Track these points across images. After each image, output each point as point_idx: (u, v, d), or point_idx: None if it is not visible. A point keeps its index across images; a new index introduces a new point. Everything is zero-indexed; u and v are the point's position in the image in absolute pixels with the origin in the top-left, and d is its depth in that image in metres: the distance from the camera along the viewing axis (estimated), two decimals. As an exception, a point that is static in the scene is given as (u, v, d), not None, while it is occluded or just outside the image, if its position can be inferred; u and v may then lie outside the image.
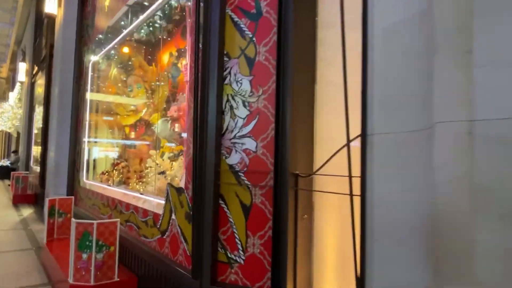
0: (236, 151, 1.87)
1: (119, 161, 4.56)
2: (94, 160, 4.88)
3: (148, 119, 4.26)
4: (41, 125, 7.73)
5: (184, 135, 3.76)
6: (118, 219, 2.59)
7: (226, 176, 1.88)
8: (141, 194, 3.08)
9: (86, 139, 4.73)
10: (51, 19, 6.80)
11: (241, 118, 1.87)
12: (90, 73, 4.73)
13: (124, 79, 4.71)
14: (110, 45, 4.24)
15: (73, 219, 2.55)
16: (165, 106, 4.44)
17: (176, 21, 3.93)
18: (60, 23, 6.09)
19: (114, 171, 4.54)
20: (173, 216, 2.29)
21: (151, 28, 3.71)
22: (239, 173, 1.84)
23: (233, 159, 1.87)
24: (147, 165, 3.57)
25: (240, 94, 1.88)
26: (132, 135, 4.56)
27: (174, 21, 3.80)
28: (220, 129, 1.91)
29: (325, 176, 1.63)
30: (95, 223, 2.49)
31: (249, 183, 1.81)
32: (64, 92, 5.68)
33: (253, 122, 1.82)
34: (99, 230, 2.51)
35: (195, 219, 1.92)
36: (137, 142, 4.50)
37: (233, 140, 1.88)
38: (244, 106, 1.86)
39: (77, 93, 4.91)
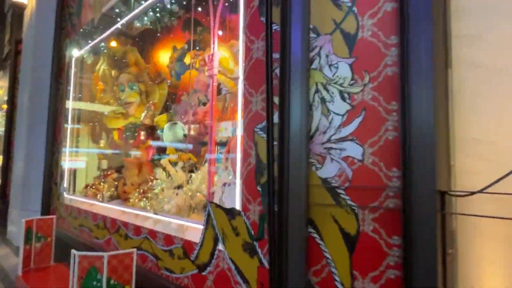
0: (332, 159, 1.36)
1: (108, 172, 3.87)
2: (75, 171, 4.14)
3: (149, 123, 3.64)
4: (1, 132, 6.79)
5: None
6: (135, 249, 1.99)
7: (317, 194, 1.37)
8: (155, 213, 2.47)
9: (67, 147, 4.00)
10: (19, 10, 5.97)
11: (338, 115, 1.37)
12: (73, 69, 4.02)
13: (115, 76, 4.06)
14: (103, 36, 3.60)
15: (73, 251, 1.91)
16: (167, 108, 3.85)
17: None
18: (32, 14, 5.31)
19: (103, 183, 3.85)
20: (220, 247, 1.73)
21: (158, 14, 3.13)
22: (338, 190, 1.34)
23: (328, 170, 1.37)
24: (156, 177, 2.95)
25: (335, 83, 1.38)
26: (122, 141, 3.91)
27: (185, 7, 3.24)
28: (307, 130, 1.41)
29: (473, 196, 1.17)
30: (106, 256, 1.87)
31: (353, 204, 1.31)
32: (37, 92, 4.91)
33: (357, 120, 1.33)
34: (110, 264, 1.90)
35: (271, 255, 1.39)
36: (134, 152, 3.85)
37: (327, 145, 1.38)
38: (343, 98, 1.37)
39: (56, 92, 4.18)
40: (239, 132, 1.76)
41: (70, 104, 3.99)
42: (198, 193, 2.48)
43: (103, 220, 2.89)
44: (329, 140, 1.38)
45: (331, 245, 1.33)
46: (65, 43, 4.14)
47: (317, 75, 1.42)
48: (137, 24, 3.34)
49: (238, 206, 1.73)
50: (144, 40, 4.22)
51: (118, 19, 3.46)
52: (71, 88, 3.98)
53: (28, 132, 4.94)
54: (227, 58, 2.67)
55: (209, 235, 1.82)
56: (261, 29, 1.65)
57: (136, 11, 3.09)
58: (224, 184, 2.20)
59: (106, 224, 2.85)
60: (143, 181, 3.34)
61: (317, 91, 1.42)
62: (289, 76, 1.41)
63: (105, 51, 3.99)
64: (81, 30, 3.91)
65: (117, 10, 3.49)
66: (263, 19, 1.64)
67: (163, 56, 4.15)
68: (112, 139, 4.34)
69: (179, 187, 2.55)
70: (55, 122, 4.19)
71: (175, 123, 3.31)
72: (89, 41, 3.88)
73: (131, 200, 3.07)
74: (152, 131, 3.66)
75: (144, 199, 2.96)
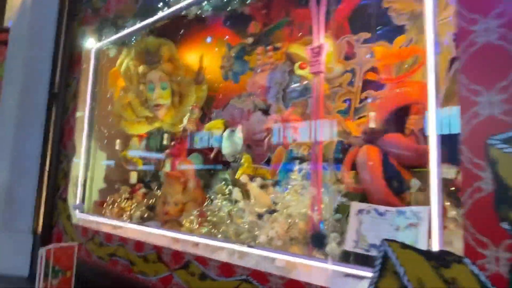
0: None
1: (136, 186, 3.21)
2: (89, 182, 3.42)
3: (193, 129, 3.05)
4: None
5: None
6: None
7: None
8: (250, 245, 1.91)
9: (82, 153, 3.29)
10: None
11: None
12: (92, 63, 3.35)
13: (143, 73, 3.43)
14: (142, 24, 2.99)
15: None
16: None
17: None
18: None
19: (128, 200, 3.17)
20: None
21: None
22: None
23: None
24: (232, 196, 2.35)
25: None
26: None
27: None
28: None
29: None
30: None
31: None
32: (29, 87, 4.11)
33: None
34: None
35: None
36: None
37: None
38: None
39: (65, 89, 3.46)
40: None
41: (88, 105, 3.29)
42: (297, 220, 1.96)
43: (157, 251, 2.26)
44: None
45: None
46: (80, 31, 3.45)
47: None
48: (193, 10, 2.76)
49: (436, 246, 1.25)
50: (174, 34, 3.64)
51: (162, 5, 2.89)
52: (90, 85, 3.29)
53: (15, 136, 4.11)
54: (330, 53, 2.19)
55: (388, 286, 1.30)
56: (491, 4, 1.21)
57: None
58: (361, 211, 1.70)
59: (162, 256, 2.22)
60: (190, 200, 2.74)
61: None
62: None
63: (134, 42, 3.35)
64: (107, 17, 3.26)
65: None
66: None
67: (198, 53, 3.60)
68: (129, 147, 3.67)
69: (271, 211, 2.01)
70: (62, 125, 3.46)
71: (233, 131, 2.76)
72: (115, 30, 3.24)
73: (185, 225, 2.46)
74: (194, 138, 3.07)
75: (206, 223, 2.36)
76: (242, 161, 2.54)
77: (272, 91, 2.94)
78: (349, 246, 1.65)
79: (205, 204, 2.57)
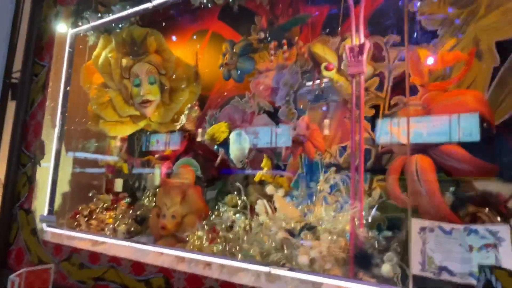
0: None
1: (119, 196, 2.78)
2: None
3: (192, 129, 2.71)
4: None
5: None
6: None
7: None
8: (288, 268, 1.65)
9: (52, 155, 2.78)
10: None
11: None
12: (67, 49, 2.87)
13: (127, 66, 3.02)
14: (131, 11, 2.60)
15: None
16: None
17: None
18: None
19: (108, 211, 2.74)
20: None
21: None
22: None
23: None
24: (257, 211, 2.05)
25: None
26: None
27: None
28: None
29: None
30: None
31: None
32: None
33: None
34: None
35: None
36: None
37: None
38: None
39: (30, 79, 2.93)
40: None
41: (61, 99, 2.80)
42: (335, 237, 1.74)
43: (165, 274, 1.90)
44: None
45: None
46: (53, 10, 2.94)
47: None
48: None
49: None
50: (162, 25, 3.27)
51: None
52: (63, 76, 2.81)
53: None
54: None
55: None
56: None
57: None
58: (423, 229, 1.53)
59: (172, 281, 1.87)
60: (190, 212, 2.40)
61: None
62: None
63: (118, 30, 2.94)
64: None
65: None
66: None
67: (189, 47, 3.27)
68: (106, 149, 3.22)
69: (310, 227, 1.76)
70: (25, 121, 2.92)
71: (239, 133, 2.48)
72: (98, 14, 2.80)
73: (192, 242, 2.12)
74: (193, 140, 2.73)
75: (219, 240, 2.06)
76: (262, 164, 2.27)
77: (281, 92, 2.72)
78: (415, 269, 1.46)
79: (212, 218, 2.26)
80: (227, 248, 2.02)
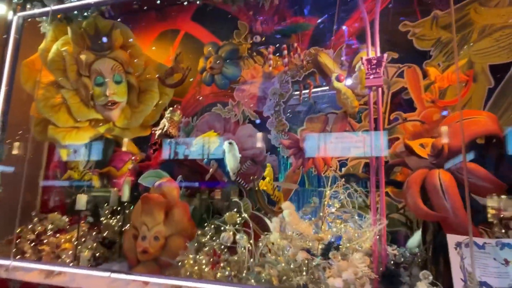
0: None
1: (85, 214, 2.32)
2: None
3: (175, 134, 2.40)
4: None
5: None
6: None
7: None
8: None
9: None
10: None
11: None
12: (12, 35, 2.34)
13: (87, 62, 2.60)
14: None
15: None
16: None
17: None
18: None
19: (63, 235, 2.27)
20: None
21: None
22: None
23: None
24: (269, 227, 1.82)
25: None
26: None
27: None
28: None
29: None
30: None
31: None
32: None
33: None
34: None
35: None
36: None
37: None
38: None
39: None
40: None
41: (2, 94, 2.26)
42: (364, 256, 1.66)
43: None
44: None
45: None
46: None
47: None
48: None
49: None
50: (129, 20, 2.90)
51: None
52: (7, 66, 2.28)
53: None
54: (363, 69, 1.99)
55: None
56: None
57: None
58: (459, 245, 1.52)
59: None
60: (176, 232, 2.10)
61: None
62: None
63: (79, 19, 2.51)
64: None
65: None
66: None
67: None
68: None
69: (336, 247, 1.64)
70: None
71: (231, 143, 2.27)
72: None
73: (187, 267, 1.82)
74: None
75: (222, 265, 1.81)
76: (265, 173, 2.09)
77: (270, 102, 2.58)
78: (457, 285, 1.44)
79: (205, 237, 1.99)
80: (233, 273, 1.79)
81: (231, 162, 2.19)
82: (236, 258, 1.82)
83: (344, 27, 2.39)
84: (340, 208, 1.88)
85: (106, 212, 2.38)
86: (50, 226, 2.35)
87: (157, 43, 3.06)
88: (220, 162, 2.27)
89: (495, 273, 1.45)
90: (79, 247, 2.15)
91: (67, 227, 2.38)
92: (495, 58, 2.02)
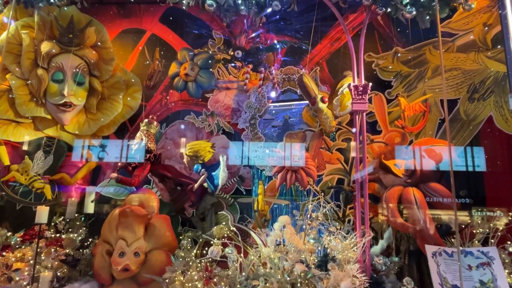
0: None
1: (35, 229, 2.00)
2: None
3: (153, 148, 2.24)
4: None
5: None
6: None
7: None
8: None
9: None
10: None
11: None
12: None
13: (47, 52, 2.30)
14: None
15: None
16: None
17: None
18: None
19: (8, 254, 1.95)
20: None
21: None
22: None
23: None
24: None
25: None
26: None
27: None
28: None
29: None
30: None
31: None
32: None
33: None
34: None
35: None
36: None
37: None
38: None
39: None
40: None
41: None
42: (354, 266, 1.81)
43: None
44: None
45: None
46: None
47: None
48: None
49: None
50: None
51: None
52: None
53: None
54: (347, 93, 2.17)
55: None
56: None
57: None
58: (434, 254, 1.78)
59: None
60: (157, 247, 1.98)
61: None
62: None
63: (41, 4, 2.20)
64: None
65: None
66: None
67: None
68: None
69: (332, 258, 1.74)
70: None
71: (224, 159, 2.24)
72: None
73: (177, 285, 1.74)
74: (157, 161, 2.24)
75: (215, 280, 1.78)
76: (259, 191, 2.11)
77: (245, 115, 2.60)
78: (437, 289, 1.68)
79: (191, 251, 1.93)
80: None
81: (223, 178, 2.17)
82: (230, 273, 1.81)
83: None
84: (317, 220, 2.01)
85: (65, 226, 2.11)
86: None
87: (117, 42, 2.83)
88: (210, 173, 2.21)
89: (462, 277, 1.73)
90: (37, 266, 1.87)
91: (15, 243, 2.05)
92: (444, 95, 2.40)
